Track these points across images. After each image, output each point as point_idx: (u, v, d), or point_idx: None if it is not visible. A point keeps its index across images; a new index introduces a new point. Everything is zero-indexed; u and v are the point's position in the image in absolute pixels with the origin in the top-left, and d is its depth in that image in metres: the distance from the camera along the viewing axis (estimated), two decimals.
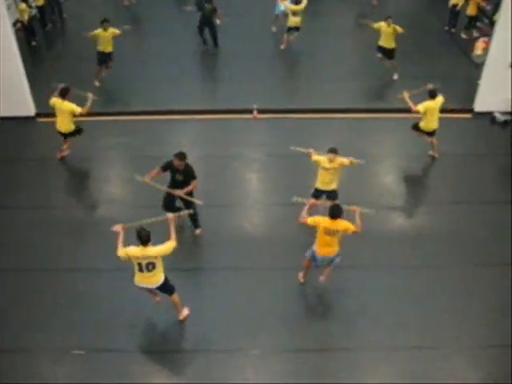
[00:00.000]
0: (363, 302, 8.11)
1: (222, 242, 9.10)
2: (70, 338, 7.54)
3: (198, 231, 9.24)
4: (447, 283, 8.40)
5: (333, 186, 8.85)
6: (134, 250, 6.92)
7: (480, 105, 12.29)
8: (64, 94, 10.07)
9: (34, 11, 16.53)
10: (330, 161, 8.60)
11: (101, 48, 13.05)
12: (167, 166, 8.50)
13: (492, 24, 13.98)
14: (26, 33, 15.14)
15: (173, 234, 7.09)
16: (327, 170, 8.69)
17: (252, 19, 16.56)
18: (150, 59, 14.60)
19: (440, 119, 10.59)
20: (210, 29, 14.92)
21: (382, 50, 13.57)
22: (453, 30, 16.17)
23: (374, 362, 7.36)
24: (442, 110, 11.60)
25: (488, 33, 14.57)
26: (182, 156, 8.32)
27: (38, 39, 15.53)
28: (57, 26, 16.68)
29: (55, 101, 10.14)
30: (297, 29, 14.65)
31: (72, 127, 10.41)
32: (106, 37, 12.86)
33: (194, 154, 11.17)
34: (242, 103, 12.45)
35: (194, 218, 9.02)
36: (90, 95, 10.38)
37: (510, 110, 11.93)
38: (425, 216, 9.79)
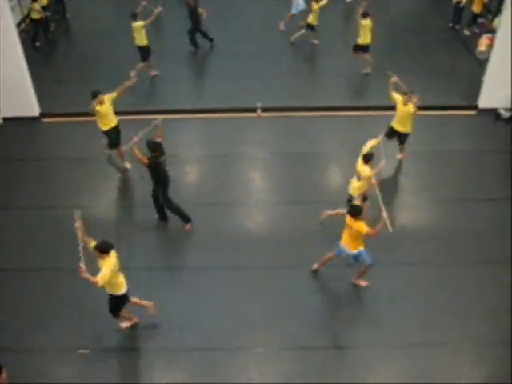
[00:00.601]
0: (364, 300, 8.11)
1: (225, 240, 9.10)
2: (74, 338, 7.58)
3: (187, 227, 9.28)
4: (449, 281, 8.39)
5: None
6: None
7: (484, 101, 12.23)
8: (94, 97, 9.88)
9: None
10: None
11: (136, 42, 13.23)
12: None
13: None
14: (34, 30, 15.24)
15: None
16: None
17: (252, 19, 16.52)
18: (152, 58, 14.58)
19: (444, 116, 10.56)
20: (199, 30, 14.73)
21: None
22: (457, 27, 16.10)
23: (375, 359, 7.36)
24: (447, 107, 11.64)
25: (491, 29, 14.52)
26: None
27: (42, 39, 15.60)
28: (60, 26, 16.69)
29: (98, 107, 9.95)
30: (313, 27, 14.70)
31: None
32: (137, 29, 12.99)
33: (198, 152, 11.25)
34: (246, 102, 12.46)
35: (179, 214, 9.18)
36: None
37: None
38: (427, 213, 9.76)
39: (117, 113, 12.41)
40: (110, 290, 7.11)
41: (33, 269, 8.65)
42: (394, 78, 10.07)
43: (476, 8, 15.60)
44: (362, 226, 7.46)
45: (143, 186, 10.31)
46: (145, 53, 13.32)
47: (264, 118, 12.20)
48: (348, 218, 7.60)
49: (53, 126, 11.03)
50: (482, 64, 13.15)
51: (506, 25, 11.44)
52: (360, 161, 8.69)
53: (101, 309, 7.87)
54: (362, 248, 7.77)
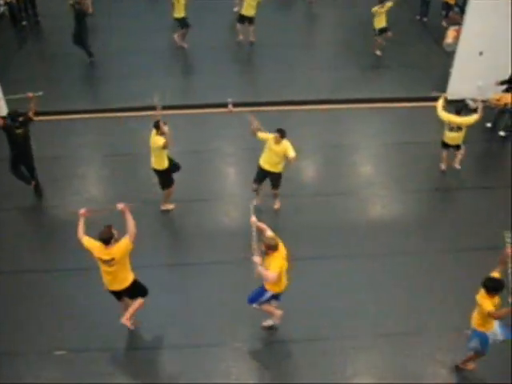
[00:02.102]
0: (345, 290, 8.19)
1: (202, 236, 9.11)
2: (51, 340, 7.50)
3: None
4: (425, 270, 8.52)
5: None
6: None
7: (452, 93, 12.41)
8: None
9: (3, 8, 16.28)
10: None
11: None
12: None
13: (463, 12, 14.13)
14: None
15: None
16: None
17: (227, 12, 16.48)
18: (121, 55, 14.46)
19: (414, 108, 10.69)
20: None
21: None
22: (425, 19, 16.29)
23: (358, 350, 7.44)
24: (416, 99, 11.78)
25: (458, 21, 14.72)
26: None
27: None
28: (30, 23, 16.39)
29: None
30: None
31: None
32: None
33: (171, 149, 11.15)
34: (217, 97, 12.42)
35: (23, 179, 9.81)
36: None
37: (480, 97, 12.06)
38: (400, 204, 9.90)
39: (86, 111, 12.30)
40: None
41: (11, 271, 8.55)
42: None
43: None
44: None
45: (119, 184, 10.28)
46: (182, 23, 14.45)
47: (236, 114, 12.18)
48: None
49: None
50: (449, 56, 13.35)
51: (472, 16, 11.62)
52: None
53: (81, 309, 7.85)
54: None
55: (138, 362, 7.35)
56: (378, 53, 14.49)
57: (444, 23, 15.86)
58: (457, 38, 13.20)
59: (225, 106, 12.14)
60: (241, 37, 15.09)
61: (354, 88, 13.07)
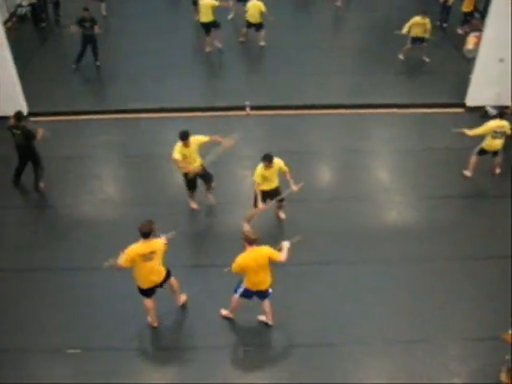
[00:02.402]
0: (354, 296, 8.14)
1: (213, 239, 9.13)
2: (65, 337, 7.54)
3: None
4: (435, 277, 8.43)
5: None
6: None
7: (472, 99, 12.32)
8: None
9: (25, 9, 16.51)
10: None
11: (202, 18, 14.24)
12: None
13: (483, 19, 14.03)
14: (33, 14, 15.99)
15: None
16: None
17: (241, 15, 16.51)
18: (140, 57, 14.56)
19: (433, 114, 10.62)
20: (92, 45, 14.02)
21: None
22: (444, 25, 16.18)
23: (365, 356, 7.37)
24: (435, 105, 11.68)
25: (479, 27, 14.60)
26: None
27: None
28: (50, 23, 16.60)
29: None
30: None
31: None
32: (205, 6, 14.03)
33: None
34: (235, 100, 12.46)
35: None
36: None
37: (500, 104, 11.95)
38: (413, 211, 9.82)
39: (104, 111, 12.41)
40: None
41: (23, 269, 8.61)
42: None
43: (466, 7, 15.67)
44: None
45: (133, 185, 10.34)
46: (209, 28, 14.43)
47: (253, 117, 12.21)
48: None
49: (41, 125, 10.93)
50: (469, 62, 13.24)
51: (493, 23, 11.52)
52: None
53: (93, 308, 7.89)
54: None
55: (153, 363, 7.36)
56: (401, 57, 14.40)
57: (459, 31, 15.75)
58: (477, 44, 13.10)
59: (242, 108, 12.20)
60: (242, 39, 15.30)
61: (371, 93, 13.01)
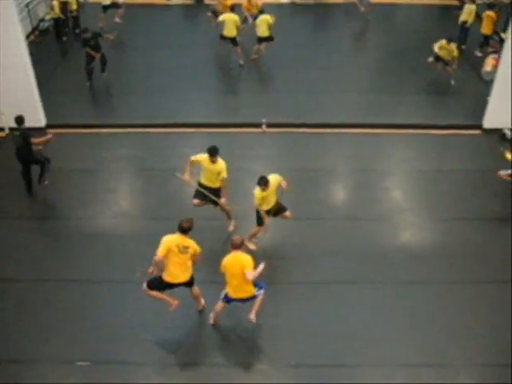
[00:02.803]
0: (364, 317, 8.05)
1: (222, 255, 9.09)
2: (74, 349, 7.54)
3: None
4: (448, 300, 8.33)
5: None
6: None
7: (489, 121, 12.25)
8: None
9: (47, 24, 16.79)
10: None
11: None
12: None
13: (502, 41, 14.00)
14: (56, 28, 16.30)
15: None
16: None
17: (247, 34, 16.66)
18: (158, 72, 14.71)
19: (450, 135, 10.57)
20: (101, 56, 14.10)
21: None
22: (463, 47, 16.16)
23: (375, 379, 7.27)
24: (452, 126, 11.64)
25: (497, 50, 14.57)
26: None
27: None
28: (69, 38, 16.85)
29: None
30: None
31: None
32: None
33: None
34: (251, 117, 12.51)
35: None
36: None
37: None
38: (430, 232, 9.73)
39: (122, 125, 12.53)
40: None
41: (35, 279, 8.64)
42: None
43: (486, 30, 15.64)
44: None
45: (148, 199, 10.37)
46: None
47: (269, 134, 12.24)
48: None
49: (58, 137, 11.06)
50: (487, 84, 13.20)
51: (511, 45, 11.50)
52: None
53: (104, 320, 7.88)
54: None
55: (162, 377, 7.30)
56: (430, 59, 14.36)
57: (478, 53, 15.72)
58: (496, 66, 13.06)
59: (258, 125, 12.23)
60: (255, 56, 15.39)
61: (388, 113, 13.00)
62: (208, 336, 7.78)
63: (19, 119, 9.97)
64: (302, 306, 8.16)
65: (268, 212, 8.86)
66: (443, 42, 13.93)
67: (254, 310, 7.57)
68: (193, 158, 9.06)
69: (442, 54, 13.99)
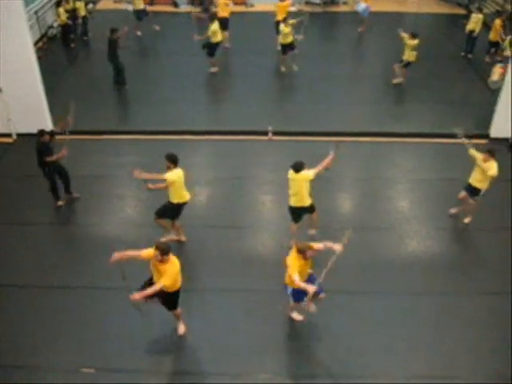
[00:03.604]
0: (373, 329, 8.00)
1: (232, 263, 9.08)
2: (79, 357, 7.54)
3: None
4: (457, 311, 8.29)
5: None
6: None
7: (496, 131, 12.23)
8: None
9: (55, 30, 16.92)
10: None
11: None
12: None
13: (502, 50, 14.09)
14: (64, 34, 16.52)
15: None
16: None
17: (268, 40, 16.71)
18: (164, 79, 14.79)
19: (456, 144, 10.55)
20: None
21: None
22: (469, 56, 16.19)
23: None
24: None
25: (503, 59, 14.59)
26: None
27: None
28: (79, 45, 16.98)
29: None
30: None
31: None
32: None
33: (209, 174, 11.28)
34: (258, 125, 12.53)
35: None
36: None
37: None
38: (434, 242, 9.67)
39: (128, 132, 12.58)
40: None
41: (42, 286, 8.65)
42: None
43: (493, 37, 15.64)
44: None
45: (154, 206, 10.37)
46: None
47: (275, 142, 12.25)
48: None
49: (65, 143, 11.12)
50: (494, 93, 13.18)
51: None
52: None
53: (108, 328, 7.87)
54: None
55: None
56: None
57: (487, 59, 15.72)
58: (503, 75, 13.05)
59: (265, 133, 12.24)
60: (283, 68, 15.33)
61: (394, 122, 13.01)
62: (216, 345, 7.76)
63: (40, 132, 9.85)
64: (304, 316, 8.12)
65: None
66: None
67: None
68: None
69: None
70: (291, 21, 14.67)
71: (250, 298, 8.40)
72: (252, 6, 16.17)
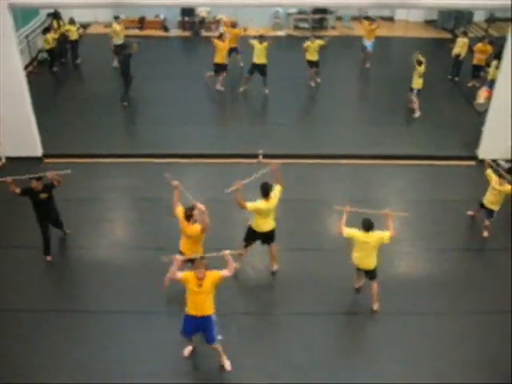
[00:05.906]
0: (364, 347, 8.02)
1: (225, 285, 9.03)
2: (83, 377, 7.47)
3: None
4: (448, 331, 8.30)
5: None
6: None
7: (484, 152, 12.35)
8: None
9: (45, 55, 16.98)
10: None
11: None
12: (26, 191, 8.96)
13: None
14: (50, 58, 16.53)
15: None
16: None
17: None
18: (156, 103, 14.84)
19: (444, 166, 10.65)
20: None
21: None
22: (456, 79, 16.42)
23: None
24: (447, 158, 11.72)
25: (485, 82, 14.85)
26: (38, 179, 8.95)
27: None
28: (67, 68, 17.03)
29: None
30: None
31: None
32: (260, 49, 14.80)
33: (199, 197, 11.21)
34: (248, 148, 12.58)
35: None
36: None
37: (511, 157, 11.99)
38: (424, 263, 9.73)
39: (120, 155, 12.57)
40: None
41: (31, 309, 8.57)
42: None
43: (477, 61, 15.86)
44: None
45: (146, 229, 10.34)
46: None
47: (265, 164, 12.26)
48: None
49: (55, 166, 11.05)
50: (481, 115, 13.35)
51: (504, 77, 11.65)
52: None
53: (109, 348, 7.83)
54: None
55: None
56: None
57: (470, 84, 15.93)
58: (488, 98, 13.24)
59: (255, 156, 12.26)
60: (312, 84, 15.80)
61: (384, 144, 13.11)
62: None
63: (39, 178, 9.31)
64: (296, 338, 8.09)
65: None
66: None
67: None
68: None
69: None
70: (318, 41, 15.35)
71: (249, 320, 8.33)
72: (246, 29, 16.35)
